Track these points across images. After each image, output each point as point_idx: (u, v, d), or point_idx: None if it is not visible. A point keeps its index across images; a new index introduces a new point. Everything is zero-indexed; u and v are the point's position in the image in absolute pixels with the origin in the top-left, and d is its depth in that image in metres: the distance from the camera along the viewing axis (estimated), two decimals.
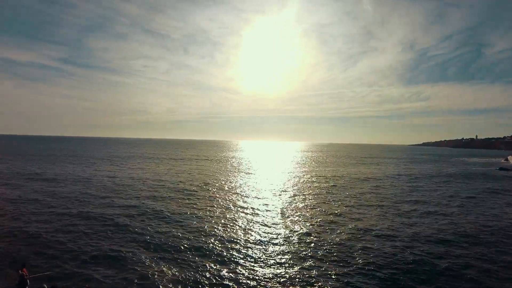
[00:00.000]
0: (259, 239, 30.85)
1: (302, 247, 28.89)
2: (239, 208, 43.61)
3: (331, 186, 65.74)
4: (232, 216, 39.42)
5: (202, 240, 30.11)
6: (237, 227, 34.68)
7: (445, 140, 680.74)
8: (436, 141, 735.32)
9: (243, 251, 27.76)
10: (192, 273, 23.17)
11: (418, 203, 48.07)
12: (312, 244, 29.50)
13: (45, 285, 17.30)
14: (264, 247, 28.89)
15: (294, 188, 62.63)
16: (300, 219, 38.66)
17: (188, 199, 48.79)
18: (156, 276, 22.42)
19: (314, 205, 46.07)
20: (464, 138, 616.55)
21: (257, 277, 22.77)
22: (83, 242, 28.63)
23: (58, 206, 41.49)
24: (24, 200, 44.31)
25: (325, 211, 42.67)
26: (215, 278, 22.47)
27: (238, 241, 30.27)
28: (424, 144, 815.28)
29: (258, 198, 50.99)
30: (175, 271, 23.32)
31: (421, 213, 41.88)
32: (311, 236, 31.96)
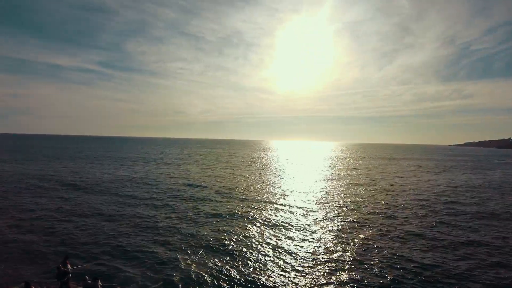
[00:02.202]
0: (295, 243, 30.08)
1: (330, 251, 27.72)
2: (280, 208, 43.01)
3: (368, 190, 63.22)
4: (270, 217, 38.89)
5: (234, 240, 29.90)
6: (274, 228, 34.11)
7: (490, 140, 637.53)
8: (479, 141, 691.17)
9: (279, 252, 27.15)
10: (222, 273, 22.94)
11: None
12: (345, 249, 28.20)
13: (87, 277, 17.70)
14: (297, 250, 28.09)
15: (328, 190, 60.95)
16: (333, 223, 37.30)
17: (224, 199, 48.94)
18: (194, 275, 22.39)
19: (350, 210, 44.37)
20: None
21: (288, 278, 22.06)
22: (125, 240, 29.47)
23: (106, 203, 43.30)
24: (73, 197, 46.75)
25: (362, 217, 40.89)
26: (244, 276, 22.07)
27: (275, 241, 29.71)
28: (466, 144, 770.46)
29: (295, 203, 49.97)
30: (214, 272, 23.19)
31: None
32: (344, 241, 30.63)
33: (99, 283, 17.41)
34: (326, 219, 37.31)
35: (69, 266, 19.04)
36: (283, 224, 35.00)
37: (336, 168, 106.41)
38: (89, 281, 17.25)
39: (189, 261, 24.37)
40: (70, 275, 18.20)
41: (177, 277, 21.66)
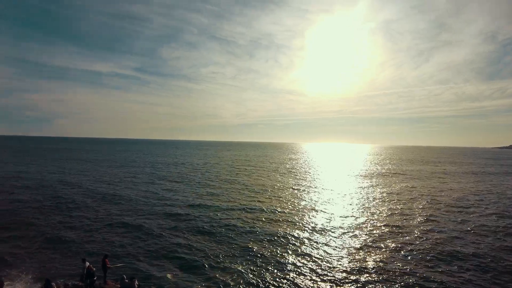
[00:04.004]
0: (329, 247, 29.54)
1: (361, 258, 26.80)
2: (312, 214, 42.55)
3: (404, 197, 60.46)
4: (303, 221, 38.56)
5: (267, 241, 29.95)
6: (307, 229, 33.77)
7: None
8: None
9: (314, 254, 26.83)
10: (252, 275, 23.03)
11: None
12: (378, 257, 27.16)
13: (124, 276, 18.65)
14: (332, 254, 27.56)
15: (362, 196, 59.12)
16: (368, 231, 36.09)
17: (255, 201, 49.21)
18: (226, 278, 22.78)
19: (387, 217, 42.71)
20: None
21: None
22: (162, 242, 30.64)
23: (143, 205, 45.32)
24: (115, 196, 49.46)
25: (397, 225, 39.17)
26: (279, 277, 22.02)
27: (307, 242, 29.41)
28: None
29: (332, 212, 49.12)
30: (249, 274, 23.42)
31: None
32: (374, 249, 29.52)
33: (136, 282, 18.29)
34: (357, 227, 36.26)
35: (108, 263, 20.23)
36: (316, 229, 34.54)
37: (372, 172, 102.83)
38: (126, 280, 18.17)
39: (222, 264, 24.83)
40: (95, 278, 19.32)
41: (210, 279, 22.16)
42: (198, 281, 21.90)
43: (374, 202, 49.41)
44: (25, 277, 22.19)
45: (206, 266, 24.42)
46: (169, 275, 22.57)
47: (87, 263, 19.73)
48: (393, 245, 29.66)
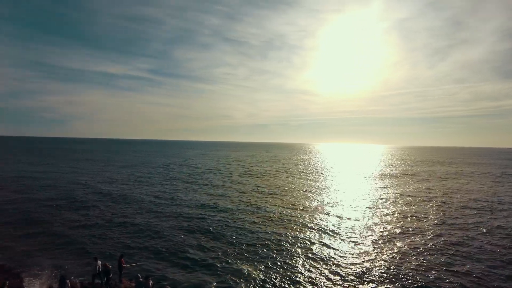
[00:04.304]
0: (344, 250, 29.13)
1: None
2: (324, 216, 42.14)
3: (419, 199, 59.17)
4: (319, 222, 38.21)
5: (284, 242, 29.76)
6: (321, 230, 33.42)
7: None
8: None
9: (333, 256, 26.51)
10: (269, 277, 22.89)
11: None
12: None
13: (139, 275, 18.78)
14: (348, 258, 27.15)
15: (376, 198, 58.18)
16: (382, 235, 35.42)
17: (269, 203, 49.06)
18: (243, 279, 22.73)
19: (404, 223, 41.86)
20: None
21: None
22: (172, 241, 30.87)
23: (157, 204, 45.81)
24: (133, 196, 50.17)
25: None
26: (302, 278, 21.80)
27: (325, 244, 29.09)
28: None
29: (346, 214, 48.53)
30: (261, 275, 23.32)
31: None
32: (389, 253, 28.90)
33: (150, 281, 18.38)
34: (370, 229, 35.67)
35: (124, 263, 20.49)
36: (327, 231, 34.17)
37: (386, 173, 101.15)
38: (141, 279, 18.27)
39: (234, 264, 24.84)
40: (111, 275, 19.62)
41: (222, 279, 22.15)
42: (210, 281, 21.98)
43: (387, 203, 48.55)
44: (41, 274, 22.69)
45: (218, 266, 24.49)
46: (181, 275, 22.70)
47: (99, 262, 20.10)
48: (405, 247, 29.09)
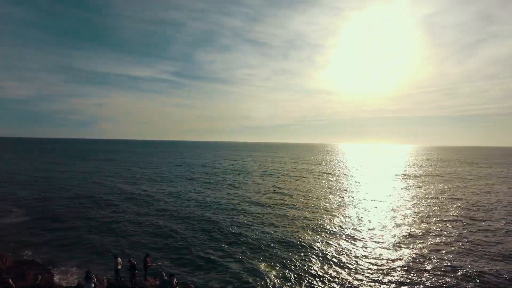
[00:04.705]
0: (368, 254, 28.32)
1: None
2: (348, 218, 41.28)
3: (444, 203, 56.75)
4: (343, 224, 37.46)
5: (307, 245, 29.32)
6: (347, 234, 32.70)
7: None
8: None
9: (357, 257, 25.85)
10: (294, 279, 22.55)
11: None
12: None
13: (163, 273, 18.95)
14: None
15: (401, 200, 56.33)
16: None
17: (293, 207, 48.64)
18: (266, 279, 22.55)
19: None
20: None
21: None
22: (195, 242, 31.12)
23: (186, 207, 46.48)
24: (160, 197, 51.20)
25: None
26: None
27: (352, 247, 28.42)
28: None
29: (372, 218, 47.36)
30: (281, 277, 23.07)
31: None
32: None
33: (175, 280, 18.49)
34: (393, 231, 34.48)
35: (149, 263, 20.80)
36: (347, 234, 33.35)
37: (411, 174, 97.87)
38: (166, 278, 18.41)
39: (260, 266, 24.71)
40: (136, 270, 20.01)
41: (243, 280, 22.04)
42: (232, 281, 21.99)
43: (412, 205, 46.90)
44: (70, 271, 23.45)
45: (239, 266, 24.44)
46: (204, 274, 22.82)
47: (119, 259, 20.70)
48: (429, 249, 27.99)
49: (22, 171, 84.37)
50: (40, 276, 17.85)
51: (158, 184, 65.68)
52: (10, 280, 18.00)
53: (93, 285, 17.73)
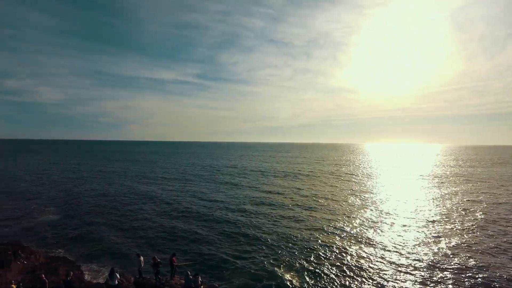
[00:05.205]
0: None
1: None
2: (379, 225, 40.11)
3: (482, 207, 53.86)
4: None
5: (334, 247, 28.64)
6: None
7: None
8: None
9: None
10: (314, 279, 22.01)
11: None
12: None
13: (188, 272, 19.03)
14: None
15: (431, 204, 54.03)
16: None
17: (316, 210, 47.89)
18: (292, 280, 22.22)
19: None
20: None
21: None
22: (220, 242, 31.19)
23: (212, 209, 46.90)
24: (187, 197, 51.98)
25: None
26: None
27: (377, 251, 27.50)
28: None
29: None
30: (304, 279, 22.63)
31: None
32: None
33: (199, 279, 18.52)
34: (426, 237, 32.98)
35: (175, 263, 20.97)
36: (372, 239, 32.27)
37: (440, 175, 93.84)
38: (191, 277, 18.49)
39: (284, 268, 24.39)
40: (159, 268, 20.18)
41: (271, 281, 21.78)
42: (256, 281, 21.74)
43: (441, 207, 44.78)
44: (99, 268, 24.06)
45: (261, 268, 24.14)
46: (228, 274, 22.78)
47: (142, 257, 21.06)
48: (447, 255, 26.33)
49: (54, 172, 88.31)
50: (71, 273, 18.38)
51: (182, 184, 66.70)
52: (43, 276, 18.66)
53: (116, 282, 18.15)
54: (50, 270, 21.84)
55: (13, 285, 17.79)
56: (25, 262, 23.09)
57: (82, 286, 19.78)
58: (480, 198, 51.85)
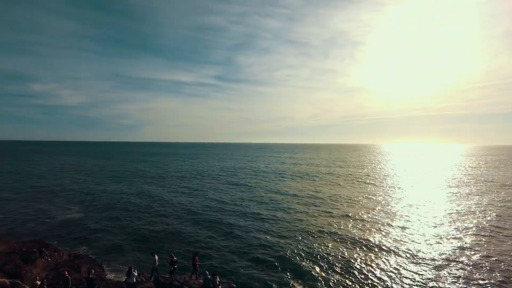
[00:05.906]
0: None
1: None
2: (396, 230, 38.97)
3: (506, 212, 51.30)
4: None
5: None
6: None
7: None
8: None
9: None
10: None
11: None
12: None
13: (207, 272, 18.97)
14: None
15: (454, 209, 52.02)
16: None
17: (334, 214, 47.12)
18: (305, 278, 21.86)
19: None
20: None
21: None
22: (239, 242, 31.09)
23: (228, 212, 47.02)
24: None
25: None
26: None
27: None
28: None
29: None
30: (324, 280, 22.17)
31: None
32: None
33: (218, 279, 18.41)
34: (438, 246, 31.65)
35: (197, 261, 21.03)
36: (392, 245, 31.23)
37: (466, 179, 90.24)
38: (209, 277, 18.42)
39: (303, 268, 24.01)
40: (176, 266, 20.47)
41: (289, 281, 21.46)
42: (276, 282, 21.42)
43: (464, 214, 42.90)
44: (119, 267, 24.42)
45: (279, 268, 23.83)
46: (248, 274, 22.64)
47: (156, 256, 21.13)
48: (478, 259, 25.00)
49: (77, 171, 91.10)
50: (93, 270, 18.67)
51: (201, 182, 67.22)
52: (66, 273, 19.07)
53: (134, 280, 18.36)
54: (73, 267, 22.33)
55: (37, 281, 18.27)
56: (49, 259, 23.72)
57: (103, 284, 20.08)
58: (502, 203, 49.33)
